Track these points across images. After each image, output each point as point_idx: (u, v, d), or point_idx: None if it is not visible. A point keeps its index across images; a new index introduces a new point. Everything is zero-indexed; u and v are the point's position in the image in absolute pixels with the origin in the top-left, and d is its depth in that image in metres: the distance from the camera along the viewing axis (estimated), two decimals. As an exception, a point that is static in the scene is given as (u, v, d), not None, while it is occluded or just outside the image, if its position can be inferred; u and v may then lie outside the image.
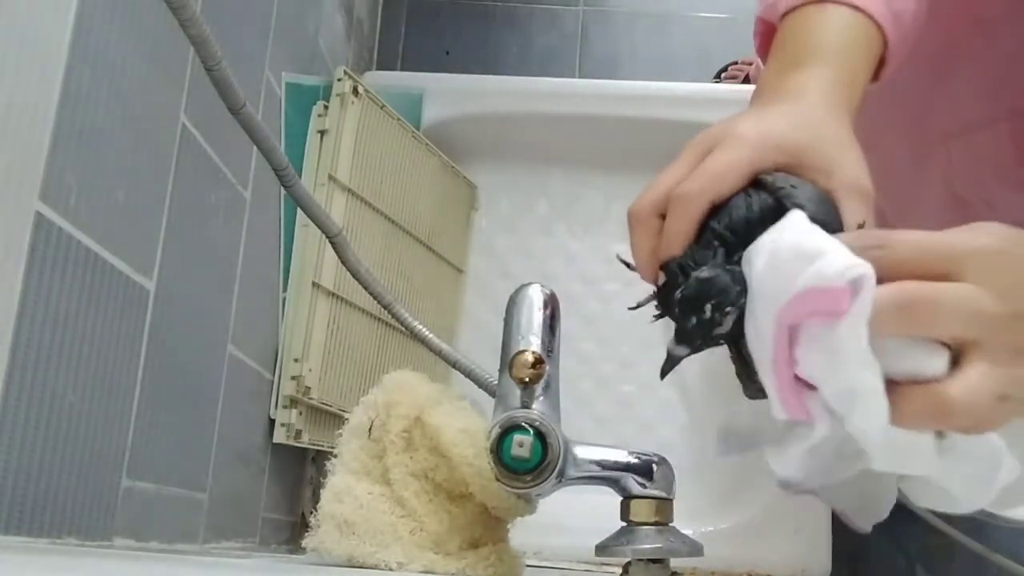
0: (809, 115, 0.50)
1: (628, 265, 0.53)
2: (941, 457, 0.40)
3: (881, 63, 0.57)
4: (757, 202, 0.47)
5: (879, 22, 0.56)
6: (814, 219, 0.44)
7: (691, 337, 0.47)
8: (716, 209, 0.48)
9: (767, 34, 0.64)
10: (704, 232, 0.48)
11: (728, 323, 0.45)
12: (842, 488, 0.43)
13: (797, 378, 0.40)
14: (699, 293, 0.45)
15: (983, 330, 0.38)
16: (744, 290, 0.44)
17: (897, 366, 0.39)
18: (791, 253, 0.40)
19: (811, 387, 0.40)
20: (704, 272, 0.46)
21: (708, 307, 0.45)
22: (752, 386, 0.47)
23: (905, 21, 0.58)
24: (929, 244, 0.40)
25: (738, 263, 0.45)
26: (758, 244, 0.43)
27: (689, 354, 0.48)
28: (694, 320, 0.46)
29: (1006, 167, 0.79)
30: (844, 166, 0.48)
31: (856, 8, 0.56)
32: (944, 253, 0.40)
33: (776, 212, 0.46)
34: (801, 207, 0.45)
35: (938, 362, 0.39)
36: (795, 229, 0.42)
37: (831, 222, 0.46)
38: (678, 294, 0.47)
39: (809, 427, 0.41)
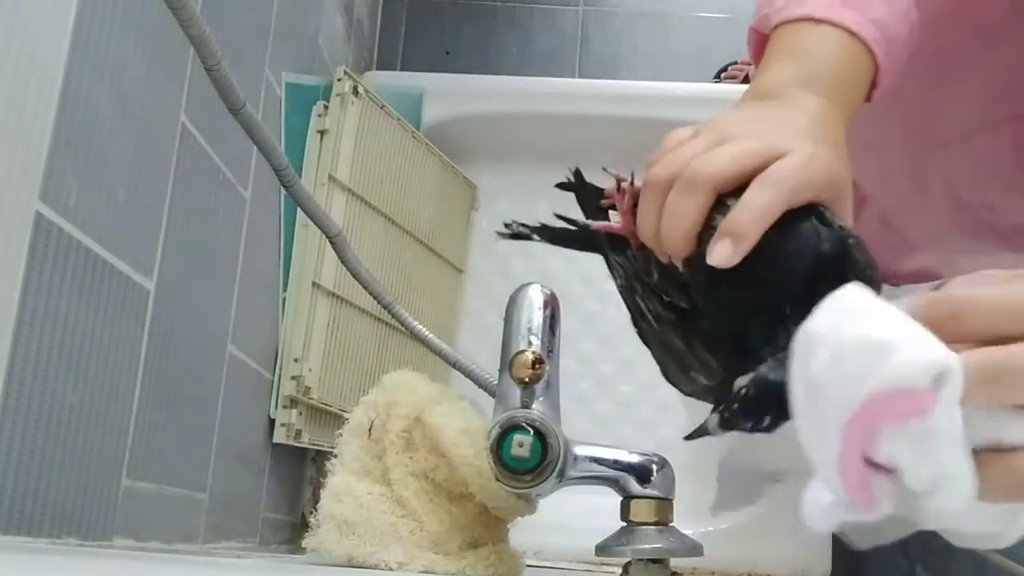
0: (832, 155, 0.50)
1: (610, 208, 0.53)
2: (1016, 519, 0.38)
3: (872, 86, 0.58)
4: (828, 239, 0.44)
5: (872, 49, 0.56)
6: (870, 277, 0.42)
7: (736, 427, 0.43)
8: (769, 233, 0.45)
9: (760, 44, 0.64)
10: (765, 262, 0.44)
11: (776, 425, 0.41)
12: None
13: (866, 462, 0.37)
14: (762, 398, 0.41)
15: None
16: None
17: (979, 435, 0.35)
18: (858, 347, 0.36)
19: (878, 467, 0.36)
20: (771, 374, 0.41)
21: (768, 418, 0.41)
22: (686, 381, 0.46)
23: (896, 48, 0.58)
24: (1004, 303, 0.36)
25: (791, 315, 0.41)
26: (815, 331, 0.37)
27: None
28: (750, 424, 0.42)
29: (1007, 171, 0.79)
30: (849, 207, 0.49)
31: (852, 33, 0.55)
32: (1022, 312, 0.36)
33: (842, 257, 0.43)
34: (861, 266, 0.42)
35: (1022, 429, 0.35)
36: (857, 313, 0.37)
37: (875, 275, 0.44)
38: (742, 392, 0.42)
39: (865, 505, 0.37)
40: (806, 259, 0.43)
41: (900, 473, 0.36)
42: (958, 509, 0.35)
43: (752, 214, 0.45)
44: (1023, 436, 0.35)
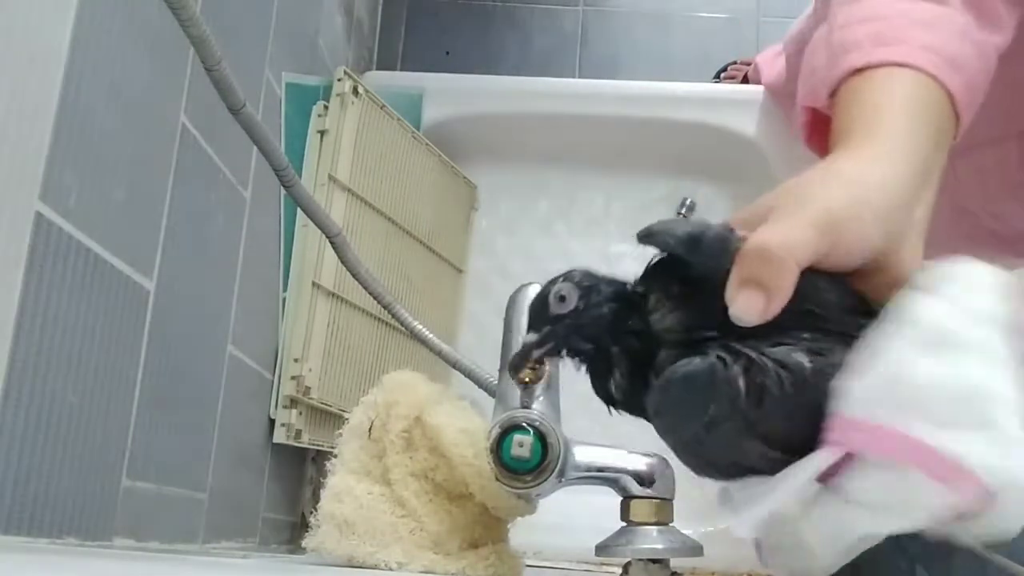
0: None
1: None
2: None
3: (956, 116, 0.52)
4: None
5: (932, 73, 0.50)
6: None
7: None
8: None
9: (814, 124, 0.59)
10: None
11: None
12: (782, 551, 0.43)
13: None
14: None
15: None
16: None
17: None
18: (968, 389, 0.37)
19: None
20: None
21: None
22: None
23: (966, 66, 0.52)
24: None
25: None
26: (940, 328, 0.38)
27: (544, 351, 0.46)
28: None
29: (1013, 183, 0.79)
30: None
31: (904, 65, 0.50)
32: None
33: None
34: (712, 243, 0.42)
35: None
36: (984, 337, 0.38)
37: None
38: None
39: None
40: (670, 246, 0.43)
41: None
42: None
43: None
44: None
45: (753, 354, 0.39)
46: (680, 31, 1.85)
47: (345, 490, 0.56)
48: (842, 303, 0.42)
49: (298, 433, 1.11)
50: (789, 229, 0.41)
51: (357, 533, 0.54)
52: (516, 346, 0.55)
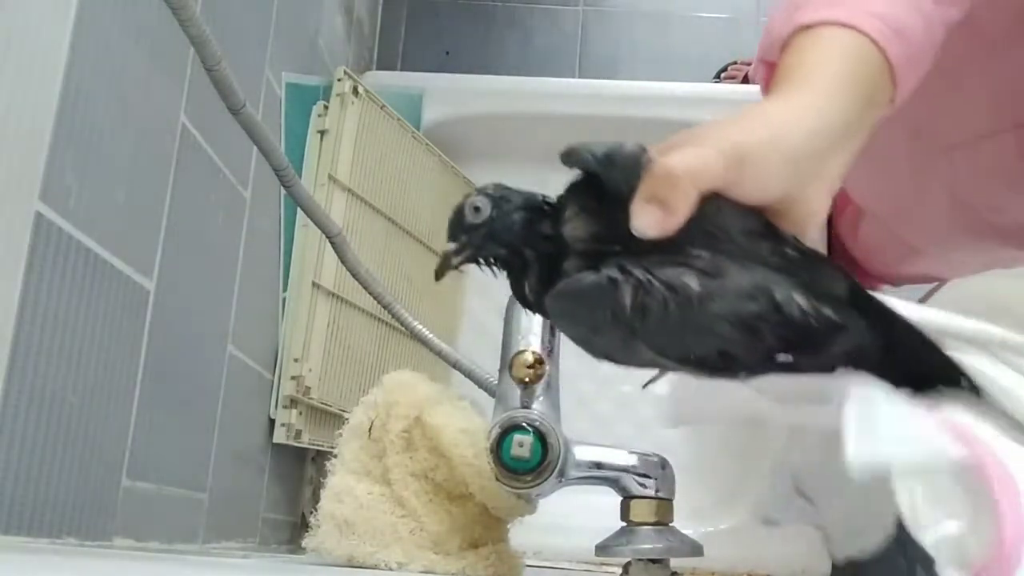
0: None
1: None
2: None
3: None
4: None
5: (874, 38, 0.52)
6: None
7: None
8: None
9: (771, 80, 0.62)
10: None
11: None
12: (837, 505, 0.43)
13: None
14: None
15: None
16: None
17: None
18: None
19: None
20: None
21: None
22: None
23: (911, 37, 0.54)
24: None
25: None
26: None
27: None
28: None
29: (1012, 176, 0.79)
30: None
31: (847, 26, 0.52)
32: None
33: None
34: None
35: None
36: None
37: None
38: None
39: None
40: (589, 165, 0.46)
41: None
42: None
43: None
44: None
45: (643, 275, 0.43)
46: (680, 31, 1.85)
47: (345, 490, 0.56)
48: (745, 228, 0.45)
49: (298, 433, 1.11)
50: (695, 155, 0.44)
51: (357, 533, 0.54)
52: (516, 346, 0.55)
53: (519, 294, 0.48)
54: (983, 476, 0.38)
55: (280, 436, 1.10)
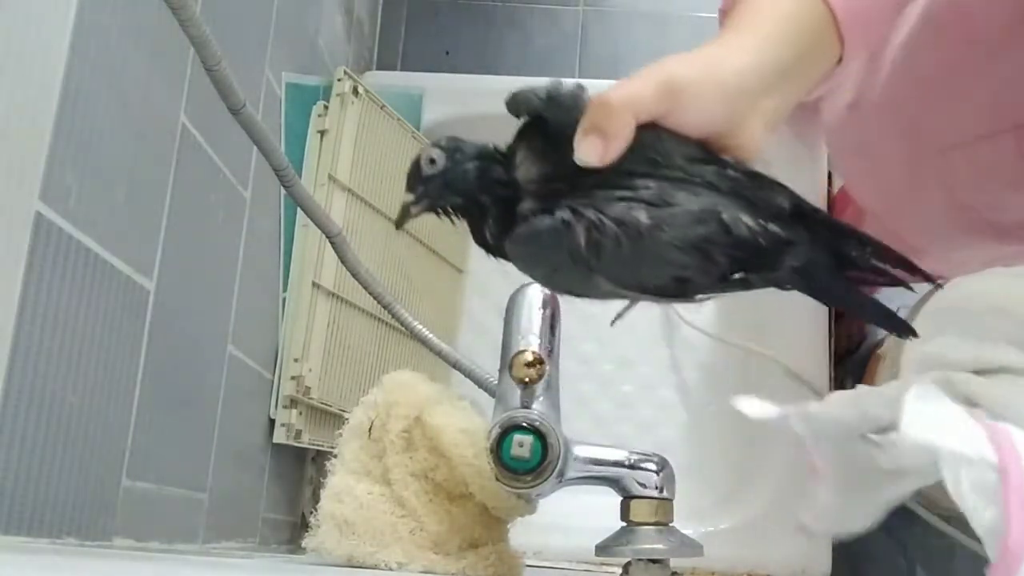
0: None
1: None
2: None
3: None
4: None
5: None
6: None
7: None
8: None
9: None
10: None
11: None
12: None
13: None
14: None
15: None
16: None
17: None
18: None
19: None
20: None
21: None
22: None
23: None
24: None
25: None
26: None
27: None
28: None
29: (1011, 175, 0.79)
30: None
31: None
32: None
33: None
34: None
35: None
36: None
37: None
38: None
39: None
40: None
41: None
42: None
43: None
44: None
45: (594, 215, 0.45)
46: (680, 31, 1.85)
47: (345, 490, 0.56)
48: (687, 154, 0.47)
49: (298, 433, 1.11)
50: (631, 86, 0.47)
51: (357, 533, 0.54)
52: (516, 346, 0.55)
53: (480, 240, 0.50)
54: (1004, 479, 0.39)
55: (280, 436, 1.10)
